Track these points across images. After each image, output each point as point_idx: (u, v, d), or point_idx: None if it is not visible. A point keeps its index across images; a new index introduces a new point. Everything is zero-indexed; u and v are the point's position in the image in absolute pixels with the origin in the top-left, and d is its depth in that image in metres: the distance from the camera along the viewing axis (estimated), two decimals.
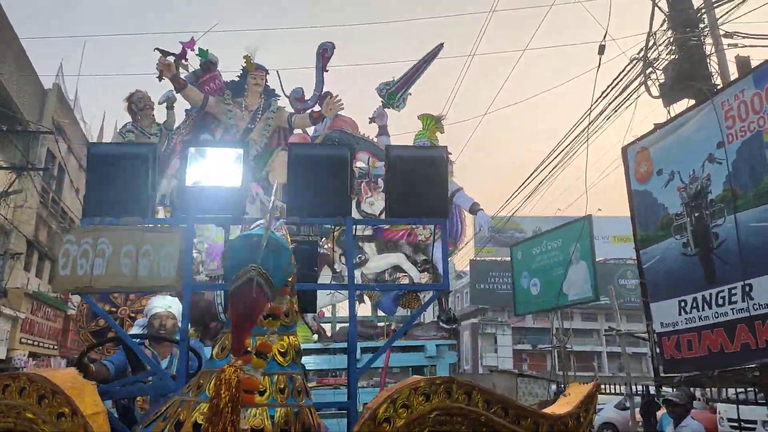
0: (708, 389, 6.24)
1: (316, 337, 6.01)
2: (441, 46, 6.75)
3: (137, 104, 6.46)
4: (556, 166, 9.86)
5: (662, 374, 6.06)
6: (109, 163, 2.96)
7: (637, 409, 9.74)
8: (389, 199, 3.28)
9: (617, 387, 12.61)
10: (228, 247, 2.05)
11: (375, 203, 6.09)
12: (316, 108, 6.70)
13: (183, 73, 6.84)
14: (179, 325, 4.09)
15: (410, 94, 6.82)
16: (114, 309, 5.65)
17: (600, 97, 7.70)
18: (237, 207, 3.02)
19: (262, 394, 2.33)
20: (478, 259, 34.71)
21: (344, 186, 3.18)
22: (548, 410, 3.53)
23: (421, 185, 3.18)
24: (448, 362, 5.85)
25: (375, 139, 6.94)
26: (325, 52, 6.76)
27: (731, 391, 6.90)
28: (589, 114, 7.97)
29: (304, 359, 5.56)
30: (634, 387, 10.65)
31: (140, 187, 2.92)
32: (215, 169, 2.95)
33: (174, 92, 6.50)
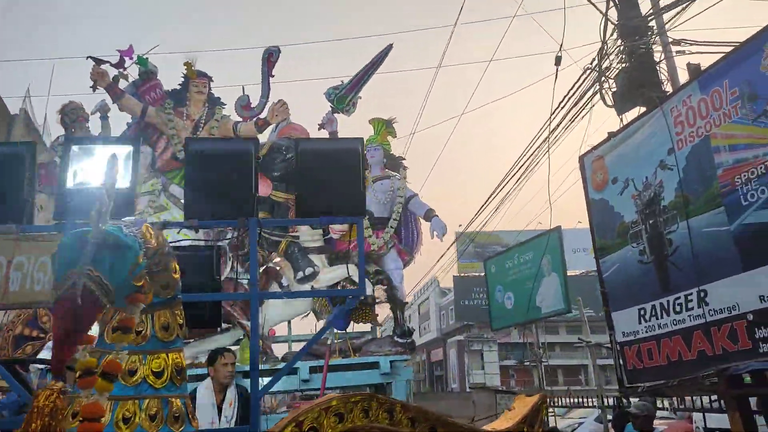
0: (674, 398, 6.01)
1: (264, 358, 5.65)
2: (390, 47, 6.52)
3: (70, 116, 6.11)
4: (519, 179, 9.66)
5: (626, 384, 5.81)
6: None
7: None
8: (299, 197, 2.99)
9: (606, 400, 12.33)
10: (57, 247, 1.72)
11: None
12: (263, 115, 6.41)
13: (123, 84, 6.53)
14: None
15: (360, 98, 6.57)
16: (42, 335, 5.24)
17: (557, 107, 7.57)
18: (127, 210, 2.69)
19: (127, 421, 2.02)
20: (462, 275, 34.52)
21: (248, 184, 2.87)
22: (489, 426, 3.25)
23: (333, 181, 2.89)
24: (405, 378, 5.53)
25: None
26: (270, 57, 6.50)
27: (706, 399, 6.69)
28: (549, 125, 7.83)
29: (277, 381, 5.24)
30: (608, 400, 10.38)
31: (15, 191, 2.58)
32: (101, 169, 2.63)
33: (107, 102, 6.16)
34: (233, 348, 6.36)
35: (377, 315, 5.83)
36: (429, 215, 6.10)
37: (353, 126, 6.63)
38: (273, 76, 6.52)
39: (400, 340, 5.63)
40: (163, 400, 2.11)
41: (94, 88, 6.13)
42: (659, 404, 6.42)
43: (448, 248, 15.71)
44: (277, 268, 6.14)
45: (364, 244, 5.92)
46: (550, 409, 12.65)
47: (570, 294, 12.61)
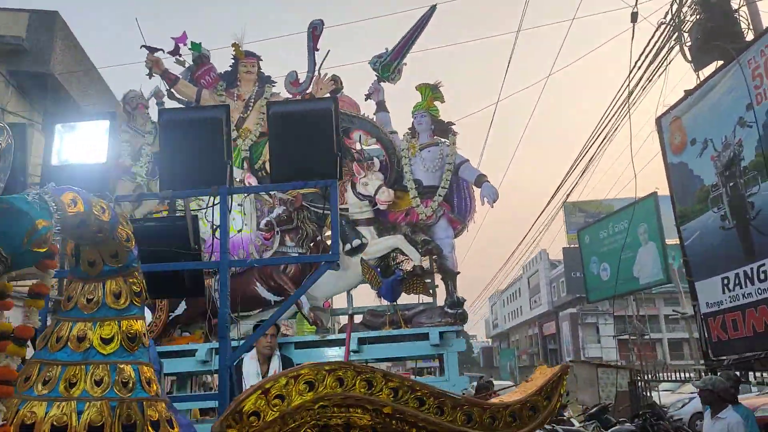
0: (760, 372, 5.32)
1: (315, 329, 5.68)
2: (433, 8, 6.21)
3: (130, 104, 6.43)
4: (601, 143, 8.99)
5: (711, 358, 5.21)
6: None
7: None
8: (272, 162, 2.87)
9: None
10: None
11: (369, 183, 5.68)
12: (309, 90, 6.38)
13: (180, 69, 6.77)
14: None
15: (405, 65, 6.33)
16: None
17: (634, 66, 6.92)
18: (102, 185, 2.72)
19: (72, 386, 2.03)
20: (571, 246, 33.09)
21: (219, 151, 2.80)
22: (500, 398, 2.99)
23: (307, 143, 2.75)
24: (457, 350, 5.32)
25: (373, 117, 6.52)
26: (314, 31, 6.44)
27: None
28: (628, 84, 7.18)
29: (323, 353, 5.28)
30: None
31: (217, 154, 2.62)
32: (83, 145, 2.68)
33: (162, 87, 6.41)
34: (291, 321, 6.46)
35: (428, 285, 5.63)
36: (480, 181, 5.78)
37: (402, 94, 6.41)
38: (318, 50, 6.46)
39: (450, 311, 5.40)
40: (111, 366, 2.11)
41: (150, 75, 6.40)
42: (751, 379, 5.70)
43: (552, 219, 15.09)
44: (328, 242, 6.12)
45: (412, 215, 5.75)
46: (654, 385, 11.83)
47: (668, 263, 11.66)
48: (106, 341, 2.14)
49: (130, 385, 2.12)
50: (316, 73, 6.40)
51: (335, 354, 5.33)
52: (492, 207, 5.69)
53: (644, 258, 12.14)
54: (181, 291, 3.12)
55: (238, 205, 6.18)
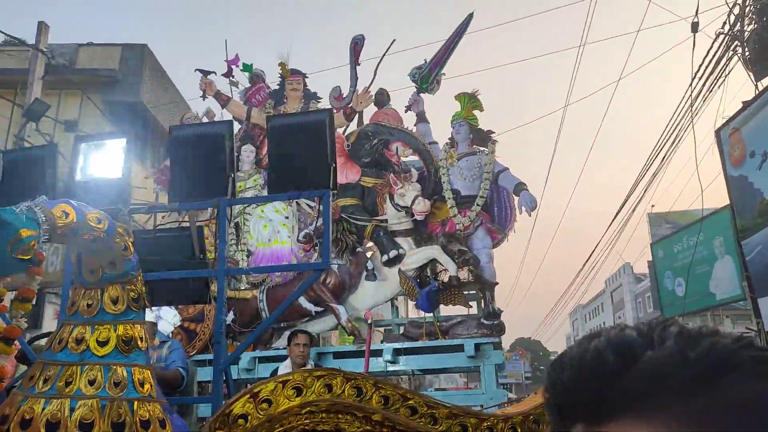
0: None
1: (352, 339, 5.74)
2: (470, 16, 6.19)
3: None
4: (665, 156, 8.58)
5: None
6: None
7: None
8: (269, 173, 2.96)
9: None
10: None
11: (406, 194, 5.70)
12: (351, 104, 6.51)
13: (235, 91, 7.11)
14: (162, 329, 4.12)
15: (444, 75, 6.33)
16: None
17: (694, 77, 6.63)
18: (119, 198, 2.92)
19: (68, 384, 2.19)
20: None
21: (221, 165, 2.92)
22: (504, 411, 2.91)
23: (302, 155, 2.82)
24: (494, 362, 5.21)
25: (413, 128, 6.56)
26: (356, 46, 6.58)
27: None
28: (691, 95, 6.84)
29: (361, 363, 5.34)
30: None
31: (219, 168, 2.85)
32: (103, 161, 2.90)
33: (212, 108, 6.75)
34: (333, 331, 6.55)
35: (465, 297, 5.55)
36: (518, 189, 5.66)
37: (445, 104, 6.41)
38: (359, 64, 6.59)
39: (486, 322, 5.29)
40: (104, 367, 2.25)
41: (203, 97, 6.77)
42: None
43: (634, 230, 14.52)
44: (368, 253, 6.19)
45: (449, 224, 5.72)
46: None
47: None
48: (102, 344, 2.29)
49: (122, 385, 2.26)
50: (358, 86, 6.52)
51: (371, 364, 5.35)
52: (530, 215, 5.56)
53: (721, 272, 11.35)
54: (187, 298, 3.27)
55: (285, 218, 6.39)
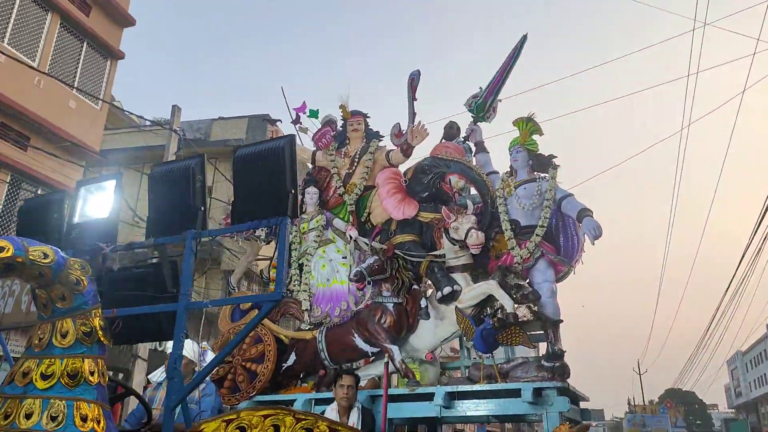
0: None
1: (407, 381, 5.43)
2: (525, 38, 5.87)
3: None
4: None
5: None
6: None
7: None
8: (233, 204, 2.89)
9: None
10: None
11: (460, 227, 5.41)
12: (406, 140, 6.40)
13: (306, 137, 7.35)
14: (195, 366, 4.19)
15: (500, 101, 6.03)
16: (229, 358, 6.06)
17: None
18: (106, 237, 3.01)
19: (7, 417, 2.23)
20: None
21: (188, 199, 2.91)
22: None
23: (263, 183, 2.73)
24: (558, 410, 4.64)
25: (474, 159, 6.28)
26: (413, 81, 6.52)
27: None
28: None
29: (414, 407, 5.08)
30: None
31: (186, 201, 3.00)
32: (95, 203, 3.05)
33: None
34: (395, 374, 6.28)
35: (526, 336, 5.05)
36: (581, 216, 5.12)
37: (502, 132, 6.08)
38: (416, 100, 6.51)
39: (546, 364, 4.75)
40: (44, 400, 2.28)
41: None
42: None
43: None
44: (428, 291, 5.92)
45: (507, 258, 5.32)
46: None
47: None
48: (45, 377, 2.33)
49: (59, 420, 2.26)
50: (416, 122, 6.41)
51: (423, 408, 5.02)
52: (593, 244, 4.98)
53: None
54: (159, 335, 3.25)
55: (342, 257, 6.36)
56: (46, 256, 2.36)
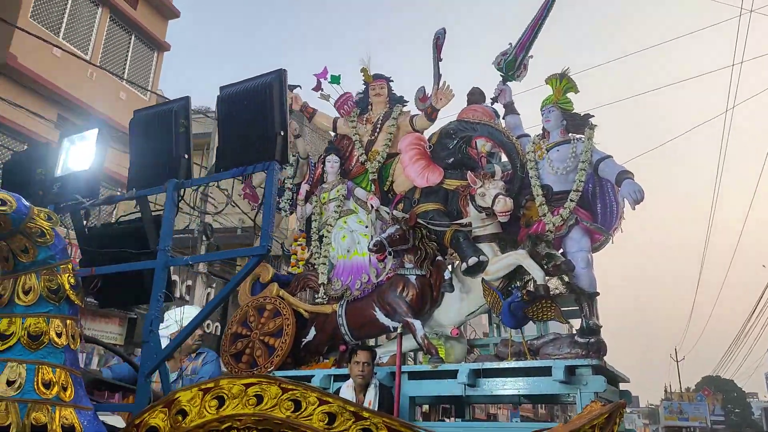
0: None
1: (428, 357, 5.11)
2: None
3: None
4: None
5: None
6: None
7: None
8: (218, 151, 2.57)
9: None
10: None
11: (486, 193, 5.01)
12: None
13: (328, 104, 7.00)
14: (198, 330, 3.97)
15: (531, 57, 5.55)
16: (248, 332, 5.86)
17: None
18: (88, 190, 2.75)
19: None
20: None
21: (169, 147, 2.60)
22: None
23: (250, 126, 2.40)
24: (593, 390, 4.24)
25: (503, 122, 5.84)
26: (438, 40, 6.09)
27: None
28: None
29: (437, 385, 4.78)
30: None
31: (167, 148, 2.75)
32: (78, 155, 2.80)
33: (295, 123, 6.69)
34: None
35: (559, 309, 4.65)
36: (621, 178, 4.65)
37: (536, 91, 5.59)
38: (442, 60, 6.08)
39: (580, 340, 4.34)
40: (0, 363, 2.04)
41: (289, 112, 6.74)
42: None
43: None
44: (455, 263, 5.57)
45: (538, 226, 4.91)
46: None
47: None
48: (3, 337, 2.09)
49: (17, 384, 2.03)
50: (441, 83, 5.99)
51: (446, 386, 4.70)
52: (633, 209, 4.51)
53: None
54: (143, 297, 2.99)
55: (365, 227, 6.04)
56: (3, 203, 2.12)
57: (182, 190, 2.57)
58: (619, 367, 4.92)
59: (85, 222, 2.81)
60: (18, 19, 10.94)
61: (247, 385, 2.01)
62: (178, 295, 12.58)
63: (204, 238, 13.74)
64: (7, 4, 11.22)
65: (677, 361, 44.20)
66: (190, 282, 13.72)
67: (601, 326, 4.41)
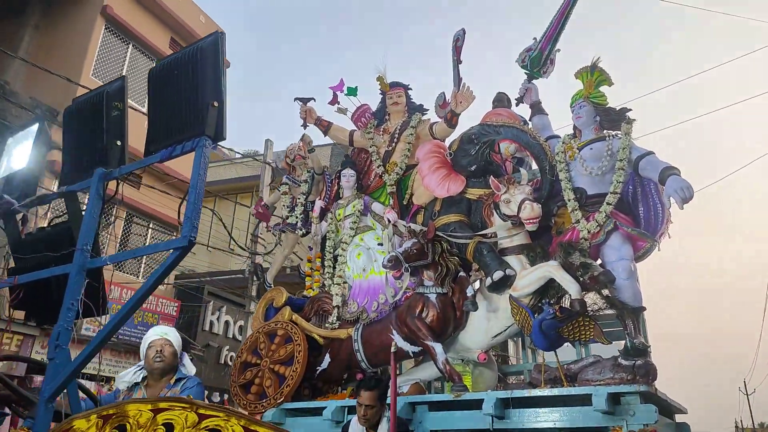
0: None
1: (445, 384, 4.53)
2: None
3: (289, 156, 6.50)
4: None
5: None
6: None
7: None
8: (149, 131, 2.15)
9: None
10: None
11: (512, 200, 4.49)
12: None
13: (345, 118, 6.65)
14: (178, 351, 3.56)
15: (558, 50, 5.05)
16: (259, 360, 5.42)
17: None
18: (27, 188, 2.39)
19: None
20: None
21: (100, 136, 2.21)
22: None
23: (181, 97, 1.99)
24: (643, 421, 3.59)
25: (530, 123, 5.34)
26: (457, 42, 5.67)
27: None
28: None
29: (460, 417, 4.20)
30: None
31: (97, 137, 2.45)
32: (18, 153, 2.48)
33: (308, 135, 6.34)
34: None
35: (600, 329, 4.02)
36: (665, 175, 4.05)
37: (566, 88, 5.06)
38: (461, 62, 5.66)
39: (624, 362, 3.70)
40: None
41: (304, 126, 6.41)
42: None
43: None
44: (478, 280, 5.01)
45: (569, 233, 4.36)
46: None
47: None
48: None
49: None
50: (462, 85, 5.55)
51: (470, 419, 4.10)
52: (681, 208, 3.89)
53: None
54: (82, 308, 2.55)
55: (379, 244, 5.57)
56: None
57: (117, 183, 2.18)
58: (679, 399, 4.24)
59: (22, 227, 2.46)
60: (81, 77, 11.52)
61: (157, 411, 1.55)
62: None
63: (255, 278, 13.59)
64: (70, 64, 11.77)
65: (747, 395, 41.33)
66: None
67: (649, 346, 3.77)
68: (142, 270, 13.19)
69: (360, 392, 3.97)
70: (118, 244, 12.48)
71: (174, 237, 13.80)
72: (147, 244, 13.30)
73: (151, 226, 13.36)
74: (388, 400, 3.88)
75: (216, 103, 1.95)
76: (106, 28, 12.55)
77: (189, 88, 2.03)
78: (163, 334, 3.52)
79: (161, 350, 3.45)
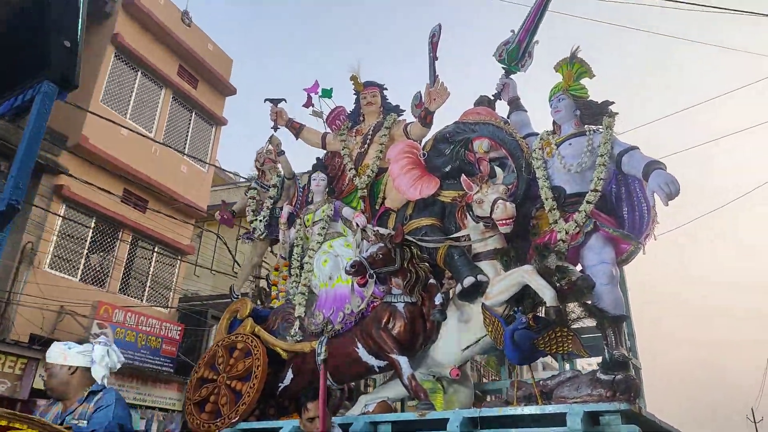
0: None
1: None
2: None
3: (259, 160, 6.17)
4: None
5: None
6: None
7: None
8: None
9: None
10: None
11: (485, 200, 4.13)
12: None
13: (319, 120, 6.34)
14: (76, 365, 3.11)
15: (537, 42, 4.72)
16: (216, 376, 5.01)
17: None
18: None
19: None
20: None
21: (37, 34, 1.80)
22: None
23: (23, 37, 1.63)
24: None
25: (510, 119, 5.00)
26: (433, 38, 5.38)
27: None
28: None
29: None
30: None
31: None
32: None
33: (277, 137, 6.02)
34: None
35: (580, 343, 3.61)
36: (648, 170, 3.69)
37: (546, 81, 4.71)
38: (437, 59, 5.35)
39: (603, 377, 3.29)
40: None
41: (274, 128, 6.10)
42: None
43: None
44: (448, 286, 4.62)
45: (546, 235, 3.98)
46: None
47: None
48: None
49: None
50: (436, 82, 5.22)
51: None
52: (666, 205, 3.51)
53: None
54: None
55: (352, 250, 5.19)
56: None
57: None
58: (688, 425, 3.81)
59: None
60: (90, 103, 11.46)
61: None
62: None
63: (258, 303, 13.27)
64: (80, 91, 11.64)
65: (755, 423, 40.28)
66: None
67: (630, 358, 3.37)
68: (146, 293, 12.89)
69: (306, 406, 3.56)
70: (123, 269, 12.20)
71: (179, 260, 13.58)
72: (151, 269, 13.03)
73: (156, 249, 13.11)
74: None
75: (68, 43, 1.58)
76: (116, 56, 12.58)
77: (32, 26, 1.67)
78: (48, 358, 3.08)
79: (48, 377, 3.04)
